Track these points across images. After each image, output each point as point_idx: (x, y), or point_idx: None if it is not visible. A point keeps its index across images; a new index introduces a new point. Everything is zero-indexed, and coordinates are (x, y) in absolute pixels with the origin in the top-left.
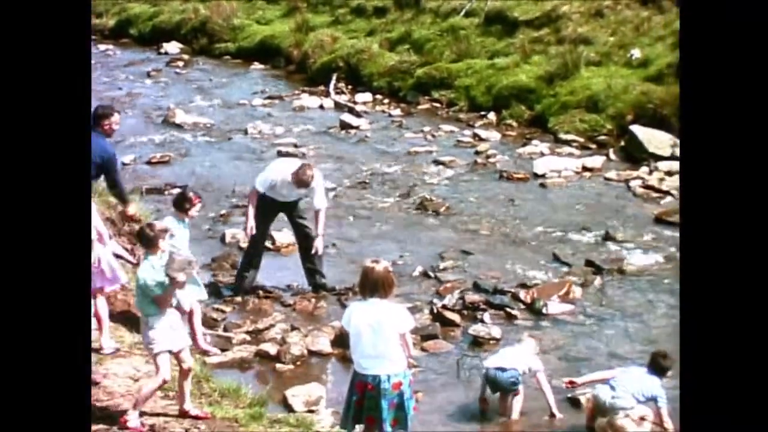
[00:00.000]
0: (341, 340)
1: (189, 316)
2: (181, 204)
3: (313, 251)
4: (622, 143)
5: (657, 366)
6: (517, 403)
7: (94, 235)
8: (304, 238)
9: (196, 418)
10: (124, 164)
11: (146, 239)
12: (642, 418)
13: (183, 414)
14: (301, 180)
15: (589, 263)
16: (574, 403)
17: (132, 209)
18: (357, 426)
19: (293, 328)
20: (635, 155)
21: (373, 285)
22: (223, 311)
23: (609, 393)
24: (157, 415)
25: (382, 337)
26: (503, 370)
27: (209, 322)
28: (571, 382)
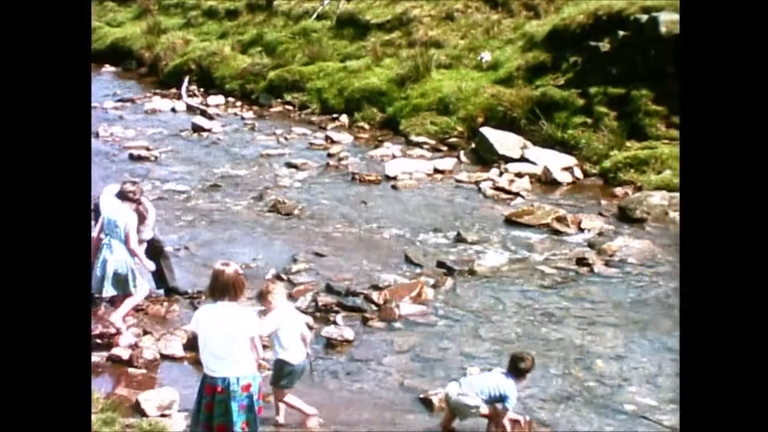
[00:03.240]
0: (193, 343)
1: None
2: (127, 194)
3: None
4: (473, 145)
5: (515, 369)
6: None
7: None
8: (155, 242)
9: None
10: None
11: None
12: (487, 416)
13: None
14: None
15: (440, 264)
16: (427, 403)
17: None
18: None
19: (145, 332)
20: (485, 157)
21: (222, 287)
22: None
23: (456, 390)
24: None
25: (231, 339)
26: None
27: None
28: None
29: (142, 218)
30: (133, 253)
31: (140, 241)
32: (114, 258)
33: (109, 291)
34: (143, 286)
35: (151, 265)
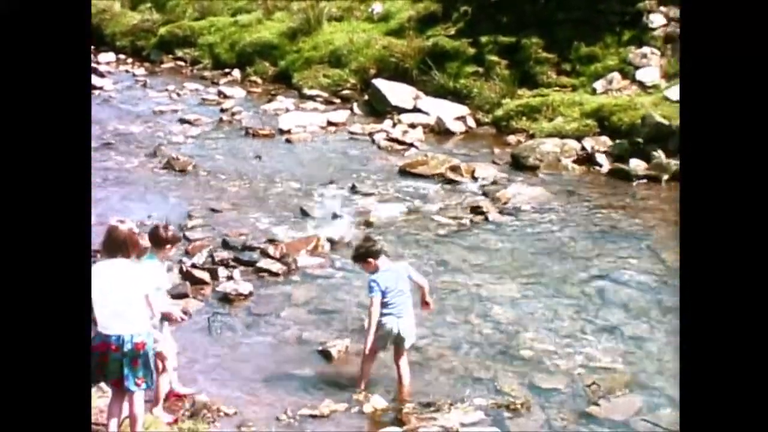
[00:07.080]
0: None
1: None
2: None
3: None
4: (366, 97)
5: (372, 252)
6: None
7: None
8: None
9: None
10: None
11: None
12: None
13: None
14: None
15: (336, 217)
16: (326, 355)
17: None
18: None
19: None
20: (378, 109)
21: (116, 245)
22: None
23: (396, 322)
24: None
25: (125, 297)
26: None
27: None
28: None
29: None
30: None
31: None
32: None
33: None
34: None
35: None
